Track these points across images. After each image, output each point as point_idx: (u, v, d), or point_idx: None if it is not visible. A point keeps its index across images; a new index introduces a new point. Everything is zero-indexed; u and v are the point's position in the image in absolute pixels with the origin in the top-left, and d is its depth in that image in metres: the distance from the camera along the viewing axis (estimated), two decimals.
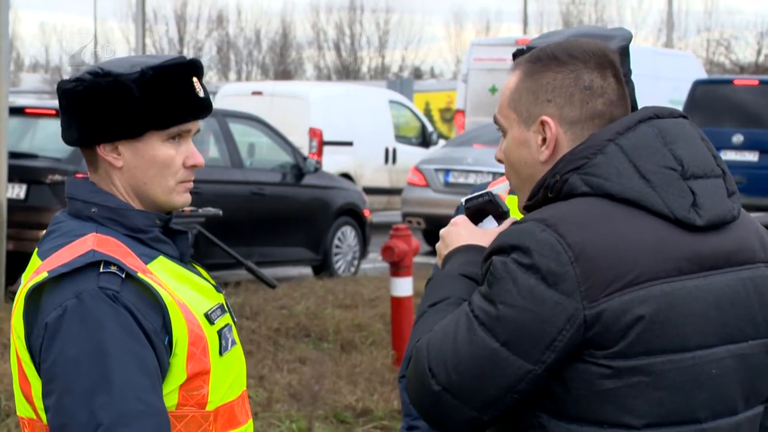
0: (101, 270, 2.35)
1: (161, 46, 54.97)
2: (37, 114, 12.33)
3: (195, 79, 2.51)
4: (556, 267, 2.14)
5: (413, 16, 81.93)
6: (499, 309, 2.16)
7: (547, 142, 2.30)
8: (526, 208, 2.33)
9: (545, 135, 2.30)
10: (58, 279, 2.35)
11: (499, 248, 2.21)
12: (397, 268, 8.56)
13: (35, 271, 2.42)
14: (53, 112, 12.15)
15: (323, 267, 13.12)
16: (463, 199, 2.54)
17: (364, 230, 13.58)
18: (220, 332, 2.46)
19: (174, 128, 2.47)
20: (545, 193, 2.28)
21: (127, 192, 2.49)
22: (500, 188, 2.60)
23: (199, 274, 2.55)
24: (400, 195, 16.33)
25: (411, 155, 18.30)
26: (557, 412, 2.19)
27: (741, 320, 2.25)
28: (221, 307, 2.51)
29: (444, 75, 59.65)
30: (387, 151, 18.65)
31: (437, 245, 2.48)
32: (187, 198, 2.53)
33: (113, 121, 2.45)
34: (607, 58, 2.31)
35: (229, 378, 2.48)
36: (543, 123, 2.29)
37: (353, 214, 13.49)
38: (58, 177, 11.28)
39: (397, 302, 8.61)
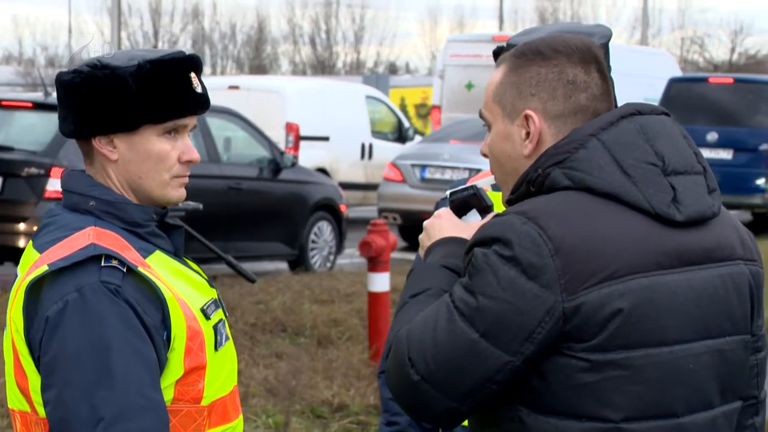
0: (102, 264, 2.34)
1: (136, 40, 54.75)
2: (12, 106, 12.23)
3: (193, 75, 2.49)
4: (536, 259, 2.15)
5: (388, 12, 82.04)
6: (478, 300, 2.17)
7: (531, 135, 2.30)
8: (509, 202, 2.34)
9: (529, 129, 2.30)
10: (58, 272, 2.33)
11: (481, 240, 2.22)
12: (375, 263, 8.56)
13: (33, 264, 2.40)
14: (29, 104, 12.10)
15: (299, 262, 13.10)
16: (447, 192, 2.55)
17: (341, 225, 13.58)
18: (215, 327, 2.46)
19: (170, 123, 2.45)
20: (527, 187, 2.29)
21: (122, 185, 2.47)
22: (485, 182, 2.60)
23: (192, 269, 2.54)
24: (376, 190, 16.32)
25: (387, 151, 18.30)
26: (536, 406, 2.20)
27: (719, 316, 2.27)
28: (215, 302, 2.51)
29: (419, 71, 59.72)
30: (363, 146, 18.64)
31: (420, 237, 2.49)
32: (182, 193, 2.51)
33: (109, 114, 2.43)
34: (592, 53, 2.32)
35: (222, 373, 2.48)
36: (527, 117, 2.30)
37: (330, 209, 13.48)
38: (34, 170, 11.23)
39: (374, 297, 8.61)
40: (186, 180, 2.51)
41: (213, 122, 12.80)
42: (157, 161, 2.46)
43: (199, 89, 2.49)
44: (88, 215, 2.44)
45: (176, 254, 2.52)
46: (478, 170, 13.79)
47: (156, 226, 2.49)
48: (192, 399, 2.41)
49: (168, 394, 2.38)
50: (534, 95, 2.30)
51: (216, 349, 2.45)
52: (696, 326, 2.24)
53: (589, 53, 2.32)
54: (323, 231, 13.41)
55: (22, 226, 11.22)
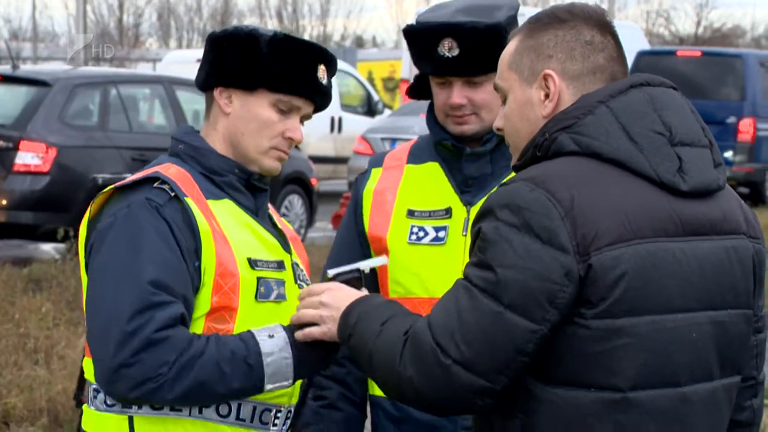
0: (154, 186, 2.55)
1: (101, 13, 54.36)
2: None
3: (322, 66, 2.67)
4: (548, 222, 2.15)
5: None
6: (497, 272, 2.16)
7: (551, 95, 2.31)
8: (516, 168, 2.34)
9: (548, 90, 2.31)
10: (120, 191, 2.58)
11: (488, 210, 2.21)
12: None
13: None
14: None
15: None
16: (330, 273, 2.58)
17: (311, 199, 13.53)
18: (260, 279, 2.58)
19: (284, 96, 2.64)
20: (534, 152, 2.29)
21: (224, 138, 2.67)
22: (369, 263, 2.66)
23: (274, 233, 2.70)
24: (346, 163, 16.29)
25: (356, 124, 18.27)
26: (544, 377, 2.19)
27: (722, 288, 2.27)
28: (280, 263, 2.64)
29: (386, 44, 59.57)
30: (333, 120, 18.61)
31: (321, 314, 2.45)
32: (277, 165, 2.69)
33: (234, 69, 2.64)
34: (606, 20, 2.34)
35: (263, 326, 2.54)
36: (546, 77, 2.31)
37: (300, 183, 13.42)
38: (2, 143, 11.16)
39: None
40: (283, 155, 2.68)
41: (182, 95, 12.72)
42: (261, 126, 2.65)
43: (323, 81, 2.68)
44: (176, 157, 2.67)
45: (257, 213, 2.68)
46: None
47: (238, 181, 2.65)
48: None
49: (197, 328, 2.53)
50: (552, 56, 2.31)
51: (257, 299, 2.57)
52: (699, 296, 2.24)
53: (604, 18, 2.33)
54: (294, 204, 13.37)
55: None
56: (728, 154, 18.08)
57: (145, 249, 2.48)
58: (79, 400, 5.57)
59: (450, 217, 3.01)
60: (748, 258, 2.31)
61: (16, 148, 11.12)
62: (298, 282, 2.69)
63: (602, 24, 2.32)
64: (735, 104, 18.49)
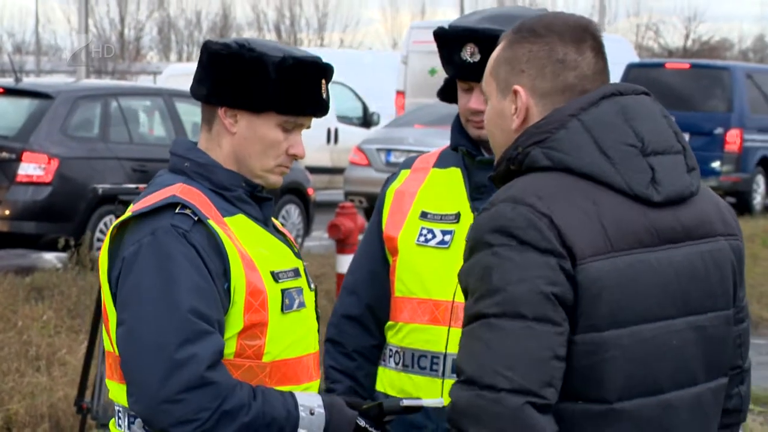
0: (176, 211, 2.51)
1: (103, 27, 54.38)
2: None
3: (323, 81, 2.65)
4: (539, 234, 2.13)
5: None
6: (510, 291, 2.11)
7: (518, 110, 2.28)
8: (491, 179, 2.34)
9: (517, 104, 2.28)
10: (139, 218, 2.53)
11: (478, 242, 2.17)
12: (343, 245, 8.56)
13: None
14: (1, 90, 11.99)
15: None
16: (404, 403, 2.69)
17: (308, 208, 13.52)
18: (284, 291, 2.58)
19: (291, 117, 2.61)
20: (507, 165, 2.27)
21: (228, 155, 2.63)
22: (434, 402, 2.73)
23: (283, 240, 2.69)
24: (342, 174, 16.28)
25: (352, 135, 18.26)
26: None
27: (700, 293, 2.26)
28: (296, 271, 2.64)
29: None
30: (329, 131, 18.60)
31: None
32: (280, 180, 2.68)
33: (242, 91, 2.59)
34: (588, 32, 2.29)
35: (290, 336, 2.58)
36: (515, 92, 2.28)
37: (297, 193, 13.40)
38: (5, 154, 11.17)
39: (343, 278, 8.58)
40: (287, 170, 2.67)
41: (182, 107, 12.72)
42: (268, 147, 2.62)
43: (324, 96, 2.65)
44: (182, 175, 2.62)
45: (265, 222, 2.67)
46: None
47: (246, 194, 2.63)
48: (253, 354, 2.54)
49: (231, 347, 2.52)
50: (524, 72, 2.28)
51: (283, 311, 2.57)
52: (678, 303, 2.22)
53: (584, 32, 2.29)
54: (291, 214, 13.35)
55: None
56: (716, 164, 18.08)
57: (178, 277, 2.45)
58: (79, 406, 5.57)
59: (458, 222, 3.03)
60: (724, 260, 2.30)
61: (19, 159, 11.12)
62: (311, 287, 2.71)
63: (580, 39, 2.28)
64: (722, 115, 18.50)
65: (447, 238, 3.02)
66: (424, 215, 3.06)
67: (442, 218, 3.04)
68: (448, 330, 3.00)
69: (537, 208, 2.14)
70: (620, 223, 2.18)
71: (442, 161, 3.14)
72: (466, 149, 3.05)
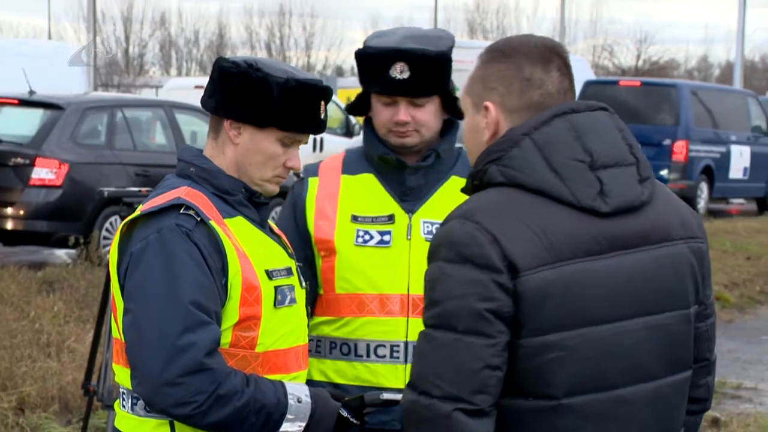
0: (181, 212, 2.51)
1: (109, 45, 54.16)
2: (1, 102, 12.09)
3: (322, 102, 2.65)
4: (479, 250, 2.10)
5: (335, 21, 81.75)
6: (445, 305, 2.10)
7: (488, 125, 2.26)
8: (463, 191, 2.31)
9: (488, 119, 2.26)
10: (147, 217, 2.53)
11: (431, 254, 2.18)
12: None
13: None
14: (15, 101, 11.98)
15: None
16: (384, 396, 2.67)
17: None
18: (277, 288, 2.57)
19: (291, 134, 2.62)
20: (472, 181, 2.26)
21: (231, 163, 2.64)
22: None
23: (278, 241, 2.69)
24: None
25: (336, 144, 18.24)
26: None
27: (657, 294, 2.21)
28: (288, 269, 2.64)
29: None
30: (315, 140, 18.59)
31: None
32: (276, 189, 2.68)
33: (248, 108, 2.60)
34: (555, 52, 2.27)
35: (281, 329, 2.58)
36: (486, 108, 2.26)
37: (286, 196, 13.36)
38: (20, 160, 11.16)
39: None
40: (283, 180, 2.67)
41: (181, 118, 12.69)
42: (267, 159, 2.62)
43: (322, 116, 2.65)
44: (188, 179, 2.62)
45: (262, 225, 2.66)
46: None
47: (245, 198, 2.63)
48: (247, 345, 2.54)
49: (227, 337, 2.52)
50: (494, 89, 2.26)
51: (275, 306, 2.57)
52: (632, 305, 2.19)
53: (551, 52, 2.26)
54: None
55: (9, 211, 11.16)
56: (664, 172, 18.14)
57: (181, 272, 2.46)
58: (86, 389, 5.54)
59: (393, 222, 3.04)
60: (683, 263, 2.25)
61: (32, 164, 11.11)
62: (303, 285, 2.71)
63: (546, 59, 2.25)
64: (670, 128, 18.57)
65: (386, 238, 3.03)
66: (355, 218, 3.05)
67: (373, 220, 3.04)
68: (407, 320, 3.00)
69: (482, 224, 2.12)
70: (566, 234, 2.14)
71: (349, 168, 3.12)
72: (395, 158, 3.04)
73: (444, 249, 2.13)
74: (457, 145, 3.15)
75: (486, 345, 2.08)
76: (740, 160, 19.69)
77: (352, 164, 3.13)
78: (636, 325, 2.19)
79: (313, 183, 3.12)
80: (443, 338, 2.10)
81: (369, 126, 3.09)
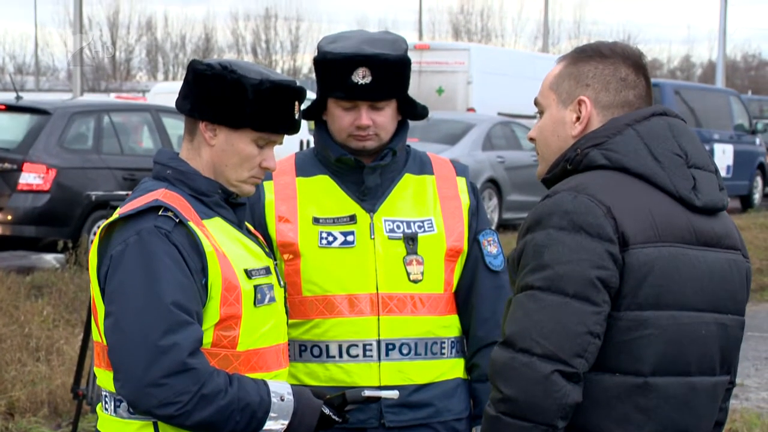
0: (159, 214, 2.51)
1: (96, 50, 54.05)
2: None
3: (296, 103, 2.65)
4: (594, 219, 2.19)
5: (321, 24, 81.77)
6: (557, 269, 2.18)
7: (582, 118, 2.35)
8: (545, 181, 2.39)
9: (580, 113, 2.35)
10: (126, 220, 2.52)
11: (536, 222, 2.23)
12: None
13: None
14: (2, 107, 11.94)
15: None
16: (366, 393, 2.67)
17: None
18: (257, 287, 2.58)
19: (265, 134, 2.62)
20: (564, 166, 2.33)
21: (207, 165, 2.63)
22: (390, 393, 2.71)
23: (255, 241, 2.69)
24: None
25: None
26: None
27: (726, 294, 2.31)
28: (267, 269, 2.64)
29: None
30: (301, 142, 18.62)
31: None
32: (253, 189, 2.68)
33: (223, 109, 2.60)
34: (642, 62, 2.39)
35: (261, 328, 2.59)
36: (580, 102, 2.35)
37: None
38: (7, 165, 11.12)
39: None
40: (259, 180, 2.67)
41: (168, 122, 12.66)
42: (242, 159, 2.62)
43: (296, 116, 2.65)
44: (165, 181, 2.62)
45: (239, 225, 2.67)
46: None
47: (222, 199, 2.64)
48: (229, 344, 2.55)
49: (208, 337, 2.52)
50: (589, 85, 2.35)
51: (255, 305, 2.57)
52: (708, 298, 2.27)
53: (640, 60, 2.38)
54: None
55: None
56: None
57: (161, 273, 2.46)
58: (76, 392, 5.53)
59: (355, 223, 3.03)
60: (744, 272, 2.36)
61: (19, 170, 11.07)
62: (281, 283, 2.71)
63: (638, 65, 2.37)
64: None
65: (350, 238, 3.02)
66: (316, 221, 3.03)
67: (335, 221, 3.03)
68: (378, 319, 2.99)
69: (596, 197, 2.21)
70: (668, 218, 2.25)
71: (303, 171, 3.10)
72: (354, 159, 3.02)
73: (556, 217, 2.20)
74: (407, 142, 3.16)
75: (591, 312, 2.16)
76: (723, 158, 19.75)
77: (305, 166, 3.11)
78: (709, 318, 2.28)
79: (268, 187, 3.08)
80: (551, 300, 2.16)
81: (323, 129, 3.07)
